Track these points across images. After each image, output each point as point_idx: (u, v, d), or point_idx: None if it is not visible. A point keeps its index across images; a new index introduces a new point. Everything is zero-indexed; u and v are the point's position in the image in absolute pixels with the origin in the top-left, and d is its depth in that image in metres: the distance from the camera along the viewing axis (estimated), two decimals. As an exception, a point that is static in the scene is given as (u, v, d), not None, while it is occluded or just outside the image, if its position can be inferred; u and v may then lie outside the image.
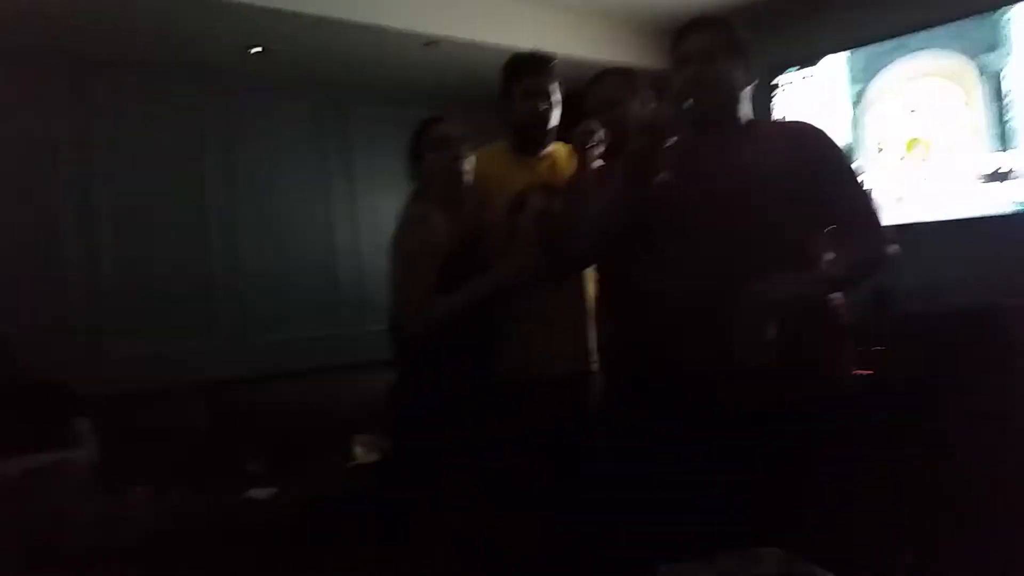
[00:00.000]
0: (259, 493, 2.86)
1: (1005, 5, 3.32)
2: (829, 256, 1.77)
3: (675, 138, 1.89)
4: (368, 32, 3.59)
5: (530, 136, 2.35)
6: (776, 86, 4.12)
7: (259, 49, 3.78)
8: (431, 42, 3.80)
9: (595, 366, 2.36)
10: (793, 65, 4.06)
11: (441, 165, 2.22)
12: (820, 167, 1.78)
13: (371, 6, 3.52)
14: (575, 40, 4.05)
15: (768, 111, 4.08)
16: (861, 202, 1.81)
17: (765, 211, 1.76)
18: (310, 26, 3.47)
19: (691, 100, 1.83)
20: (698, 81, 1.83)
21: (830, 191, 1.77)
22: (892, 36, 3.70)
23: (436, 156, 2.23)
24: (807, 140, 1.83)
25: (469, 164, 2.23)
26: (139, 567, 2.47)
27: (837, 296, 1.82)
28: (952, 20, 3.50)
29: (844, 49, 3.89)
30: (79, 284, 3.70)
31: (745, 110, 1.89)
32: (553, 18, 4.06)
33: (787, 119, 1.83)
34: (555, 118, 2.34)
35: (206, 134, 4.10)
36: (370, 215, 4.49)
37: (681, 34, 1.91)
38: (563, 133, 2.37)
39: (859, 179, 1.83)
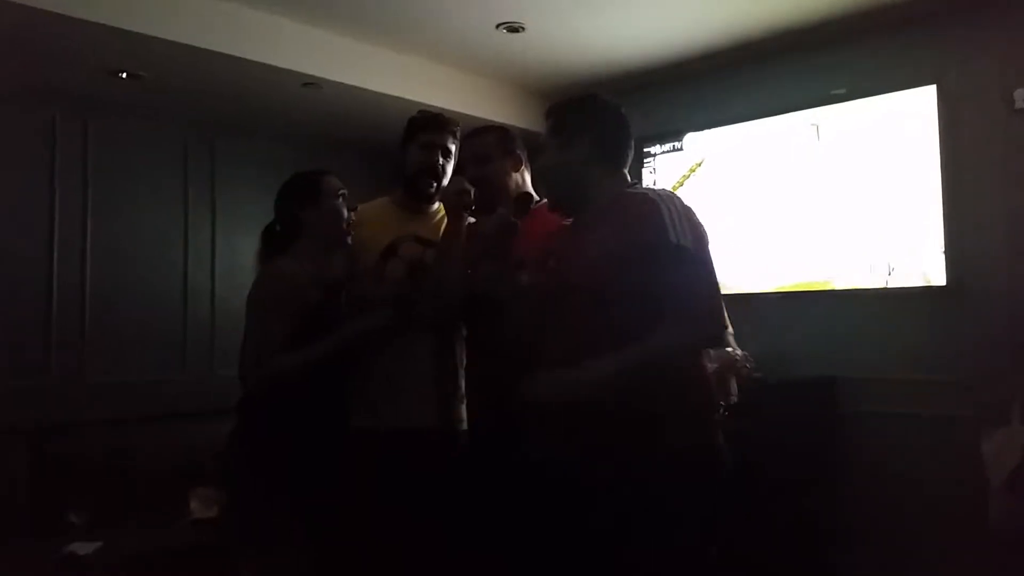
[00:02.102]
0: (81, 548, 2.61)
1: (858, 97, 3.62)
2: (650, 339, 1.68)
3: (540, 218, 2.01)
4: (246, 67, 3.49)
5: (420, 186, 2.37)
6: (646, 155, 4.32)
7: (125, 74, 3.60)
8: (310, 83, 3.75)
9: (459, 423, 2.34)
10: (661, 139, 4.27)
11: (328, 219, 2.27)
12: (638, 248, 1.73)
13: (251, 41, 3.43)
14: (453, 95, 4.09)
15: (639, 180, 4.25)
16: (681, 285, 1.71)
17: (587, 294, 1.79)
18: (184, 55, 3.33)
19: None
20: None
21: (649, 273, 1.71)
22: (747, 119, 3.96)
23: (323, 207, 2.27)
24: (631, 219, 1.77)
25: (353, 217, 2.30)
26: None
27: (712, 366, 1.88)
28: (802, 108, 3.78)
29: (705, 128, 4.13)
30: None
31: (598, 190, 1.88)
32: (434, 71, 4.10)
33: (632, 195, 1.80)
34: (447, 173, 2.38)
35: (60, 157, 3.84)
36: (228, 253, 4.32)
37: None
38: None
39: (682, 259, 1.71)
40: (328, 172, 2.34)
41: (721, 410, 2.08)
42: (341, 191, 2.31)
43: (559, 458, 1.80)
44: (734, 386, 2.35)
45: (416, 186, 2.37)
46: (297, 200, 2.29)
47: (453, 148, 2.39)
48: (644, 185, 1.96)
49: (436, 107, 2.68)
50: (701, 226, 1.80)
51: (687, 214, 1.77)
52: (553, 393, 1.67)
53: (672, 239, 1.70)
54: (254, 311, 2.22)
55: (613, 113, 1.96)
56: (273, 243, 2.31)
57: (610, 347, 1.66)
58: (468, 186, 2.24)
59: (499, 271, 1.99)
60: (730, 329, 2.59)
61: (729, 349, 2.34)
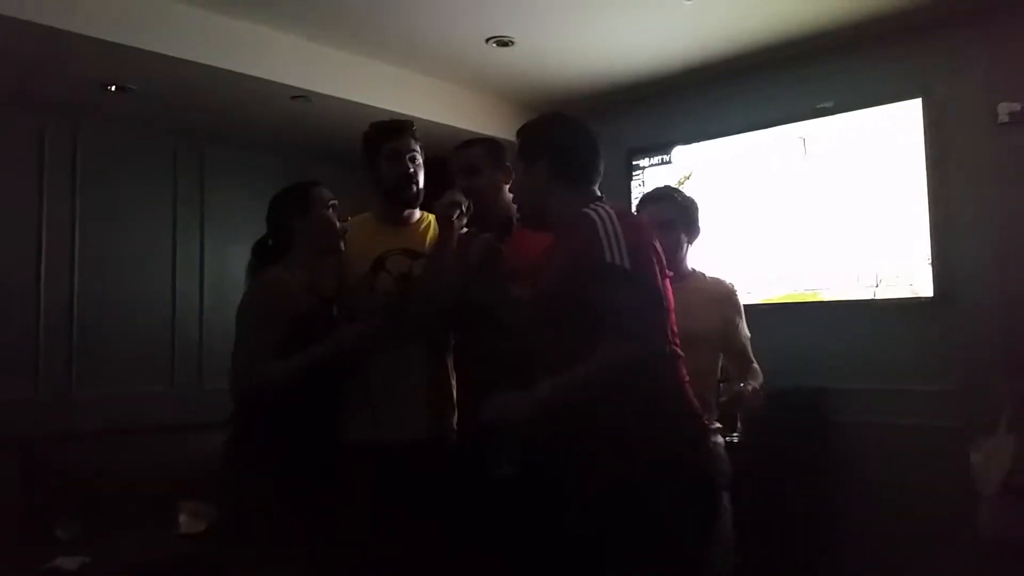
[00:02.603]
0: (67, 562, 2.59)
1: (845, 111, 3.65)
2: (589, 358, 1.69)
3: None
4: (236, 79, 3.49)
5: (399, 197, 2.37)
6: (635, 168, 4.34)
7: (114, 87, 3.60)
8: (300, 96, 3.76)
9: (450, 432, 2.35)
10: (649, 152, 4.30)
11: (320, 227, 2.27)
12: (576, 267, 1.75)
13: (241, 54, 3.44)
14: (443, 107, 4.12)
15: (628, 192, 4.28)
16: (615, 304, 1.70)
17: (547, 309, 1.83)
18: (173, 67, 3.33)
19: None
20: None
21: (587, 291, 1.72)
22: (735, 132, 3.99)
23: (314, 216, 2.27)
24: (571, 238, 1.79)
25: (344, 228, 2.31)
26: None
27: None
28: (790, 122, 3.81)
29: (693, 141, 4.15)
30: None
31: (561, 208, 1.88)
32: (424, 84, 4.12)
33: (579, 213, 1.78)
34: (421, 178, 2.38)
35: (48, 167, 3.83)
36: (217, 264, 4.31)
37: None
38: (428, 200, 2.40)
39: (616, 278, 1.70)
40: (318, 183, 2.36)
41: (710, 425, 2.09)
42: (332, 201, 2.32)
43: (542, 467, 1.81)
44: (739, 422, 2.32)
45: (397, 197, 2.38)
46: (288, 210, 2.30)
47: (418, 147, 2.39)
48: (605, 201, 1.90)
49: (426, 120, 2.69)
50: (647, 244, 1.78)
51: (635, 231, 1.76)
52: (501, 415, 1.71)
53: (607, 258, 1.69)
54: (246, 319, 2.22)
55: (575, 131, 1.96)
56: (265, 256, 2.32)
57: (565, 362, 1.69)
58: (460, 198, 2.25)
59: (490, 281, 2.01)
60: (747, 334, 2.59)
61: (742, 384, 2.29)
